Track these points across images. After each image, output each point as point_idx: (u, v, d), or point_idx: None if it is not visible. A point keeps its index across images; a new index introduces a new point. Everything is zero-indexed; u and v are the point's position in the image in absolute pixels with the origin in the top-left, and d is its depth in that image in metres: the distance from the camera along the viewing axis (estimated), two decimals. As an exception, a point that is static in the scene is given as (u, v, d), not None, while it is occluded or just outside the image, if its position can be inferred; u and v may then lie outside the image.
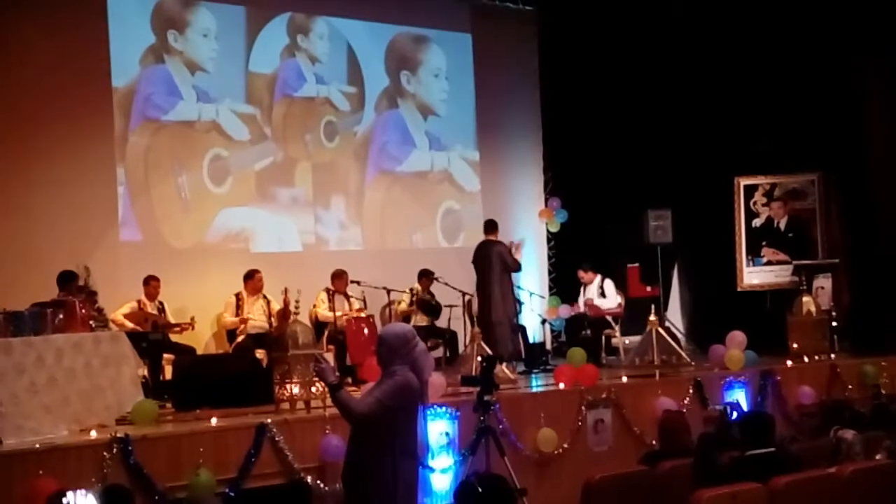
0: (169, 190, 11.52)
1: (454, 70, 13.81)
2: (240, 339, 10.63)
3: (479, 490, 5.12)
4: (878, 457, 6.57)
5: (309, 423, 7.64)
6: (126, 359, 8.28)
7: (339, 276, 11.27)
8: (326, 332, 10.85)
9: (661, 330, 11.08)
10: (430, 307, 11.62)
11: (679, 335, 12.27)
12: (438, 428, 8.08)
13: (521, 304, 12.40)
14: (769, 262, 12.97)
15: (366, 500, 5.37)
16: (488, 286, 10.90)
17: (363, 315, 10.99)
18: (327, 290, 11.28)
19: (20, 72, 10.52)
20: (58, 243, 10.34)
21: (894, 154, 12.16)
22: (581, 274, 12.12)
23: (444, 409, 8.14)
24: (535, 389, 10.01)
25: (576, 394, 9.00)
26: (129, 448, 6.79)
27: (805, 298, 11.42)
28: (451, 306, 11.72)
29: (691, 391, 9.56)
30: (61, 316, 7.83)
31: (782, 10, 12.36)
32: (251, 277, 10.88)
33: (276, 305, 10.65)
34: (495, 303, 10.83)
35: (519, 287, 12.69)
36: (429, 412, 7.98)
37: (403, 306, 11.69)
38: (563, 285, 13.80)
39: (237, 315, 10.79)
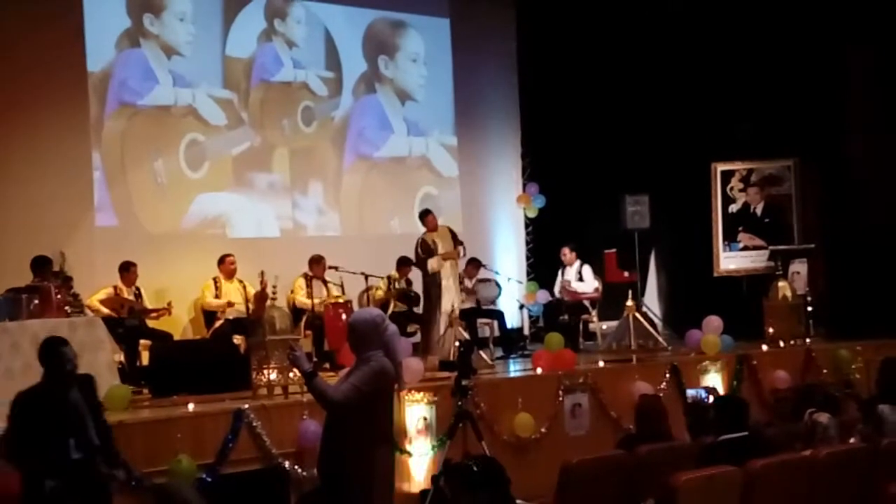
0: (145, 175, 11.45)
1: (432, 55, 13.78)
2: (218, 323, 10.59)
3: (475, 469, 5.14)
4: (852, 440, 6.63)
5: (286, 408, 7.65)
6: (102, 344, 8.24)
7: (317, 262, 11.23)
8: (304, 318, 10.82)
9: (638, 315, 11.14)
10: (406, 297, 11.59)
11: (656, 320, 12.31)
12: (416, 413, 8.10)
13: (500, 288, 12.43)
14: (745, 248, 13.04)
15: (342, 486, 5.37)
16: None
17: (341, 301, 10.97)
18: (305, 276, 11.25)
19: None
20: (33, 229, 10.25)
21: (870, 140, 12.24)
22: (565, 251, 12.10)
23: (421, 394, 8.15)
24: (512, 374, 10.06)
25: (553, 379, 9.04)
26: (106, 434, 6.76)
27: (781, 283, 11.50)
28: (428, 292, 11.71)
29: (668, 376, 9.63)
30: (37, 301, 7.81)
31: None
32: (222, 262, 10.83)
33: (252, 289, 10.60)
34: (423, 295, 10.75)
35: (496, 272, 12.72)
36: (407, 397, 8.01)
37: (380, 293, 11.66)
38: (541, 270, 13.82)
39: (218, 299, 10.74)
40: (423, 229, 10.87)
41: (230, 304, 10.64)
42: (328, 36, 12.97)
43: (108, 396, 7.66)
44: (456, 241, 10.81)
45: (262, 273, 9.73)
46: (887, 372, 7.97)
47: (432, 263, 10.53)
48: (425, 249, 10.63)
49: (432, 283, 10.59)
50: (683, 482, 5.30)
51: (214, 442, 7.20)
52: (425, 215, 10.90)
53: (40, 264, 8.76)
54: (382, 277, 11.56)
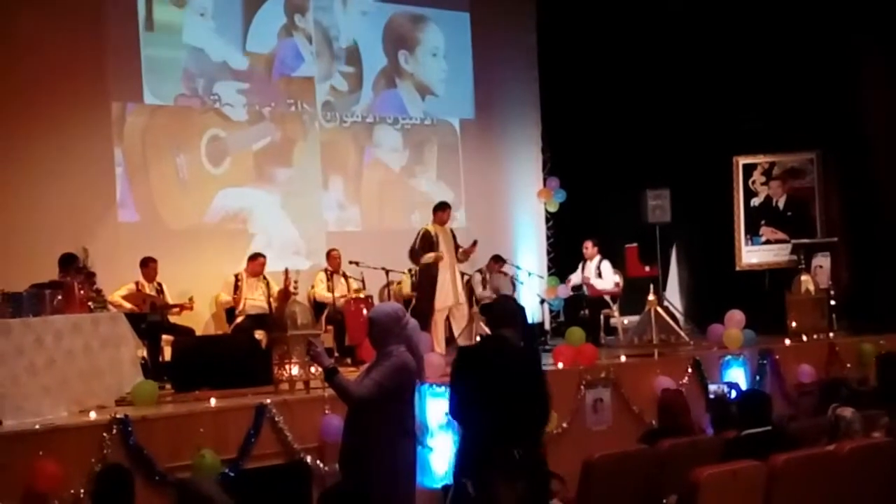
0: (167, 171, 11.50)
1: (452, 49, 13.77)
2: (239, 319, 10.63)
3: (517, 456, 5.13)
4: (875, 434, 6.58)
5: (308, 403, 7.64)
6: (125, 340, 8.27)
7: (329, 255, 11.28)
8: (325, 313, 10.85)
9: (659, 309, 11.10)
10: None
11: (678, 314, 12.27)
12: (438, 407, 8.09)
13: (519, 283, 12.42)
14: (768, 241, 12.98)
15: (364, 481, 5.37)
16: None
17: (362, 296, 10.99)
18: (325, 271, 11.29)
19: (16, 54, 10.46)
20: (56, 225, 10.32)
21: (893, 131, 12.15)
22: (587, 245, 12.05)
23: (443, 388, 8.13)
24: (534, 369, 9.99)
25: (575, 373, 9.01)
26: (129, 429, 6.78)
27: (804, 277, 11.43)
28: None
29: (690, 370, 9.57)
30: (60, 297, 7.82)
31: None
32: (254, 259, 10.89)
33: (275, 286, 10.65)
34: None
35: (517, 267, 12.71)
36: (428, 392, 8.01)
37: (406, 291, 11.62)
38: (562, 265, 13.79)
39: (235, 295, 10.78)
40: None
41: (237, 300, 10.65)
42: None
43: (135, 391, 7.72)
44: (456, 245, 10.76)
45: (286, 271, 9.77)
46: (885, 368, 7.94)
47: (428, 257, 10.43)
48: (427, 241, 10.49)
49: (427, 278, 10.51)
50: (706, 477, 5.27)
51: (237, 437, 7.21)
52: (442, 209, 10.81)
53: (67, 261, 8.80)
54: (404, 272, 11.57)
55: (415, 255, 10.52)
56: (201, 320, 11.05)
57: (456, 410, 5.73)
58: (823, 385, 8.43)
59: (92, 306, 8.28)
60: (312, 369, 7.85)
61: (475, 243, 10.83)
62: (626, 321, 11.90)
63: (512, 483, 5.03)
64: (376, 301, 11.13)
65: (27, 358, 7.22)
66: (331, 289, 11.05)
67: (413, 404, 5.64)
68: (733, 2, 12.64)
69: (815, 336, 10.99)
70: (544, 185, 14.12)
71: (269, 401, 7.45)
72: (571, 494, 5.90)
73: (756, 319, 10.71)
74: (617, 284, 11.99)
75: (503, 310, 5.98)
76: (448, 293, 10.44)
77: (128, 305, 9.93)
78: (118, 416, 6.87)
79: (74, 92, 10.78)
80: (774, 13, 12.46)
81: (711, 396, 9.12)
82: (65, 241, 9.26)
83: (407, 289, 11.59)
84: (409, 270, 11.55)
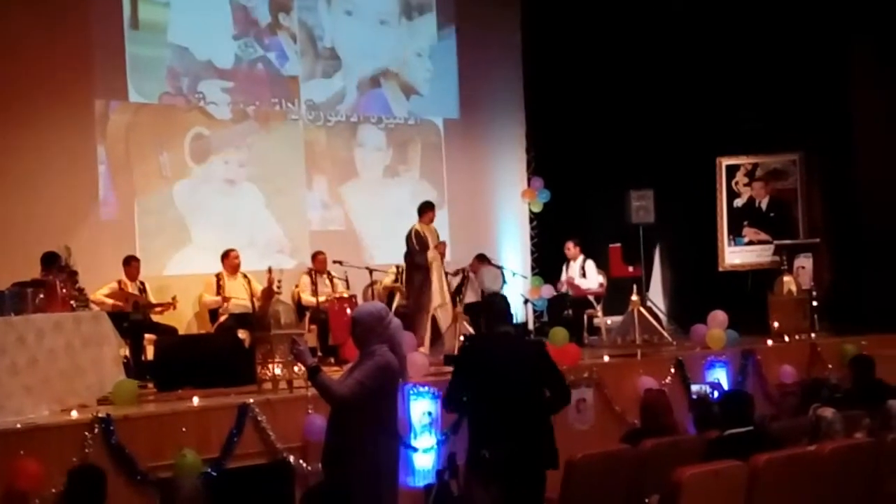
0: (150, 169, 11.45)
1: (437, 49, 13.76)
2: (222, 319, 10.59)
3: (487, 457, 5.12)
4: (857, 435, 6.62)
5: (291, 402, 7.62)
6: (107, 339, 8.22)
7: (315, 257, 11.28)
8: (308, 313, 10.83)
9: (642, 310, 11.12)
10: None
11: (661, 315, 12.30)
12: (421, 407, 8.09)
13: (504, 283, 12.41)
14: (750, 242, 13.03)
15: (347, 480, 5.37)
16: None
17: (346, 295, 10.97)
18: (309, 272, 11.26)
19: (-1, 50, 10.44)
20: (38, 223, 10.28)
21: (876, 133, 12.22)
22: (569, 246, 12.09)
23: (426, 388, 8.14)
24: (517, 369, 9.99)
25: (558, 373, 9.01)
26: (111, 428, 6.75)
27: (786, 278, 11.49)
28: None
29: (673, 370, 9.59)
30: (42, 296, 7.77)
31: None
32: (226, 256, 10.83)
33: (257, 284, 10.62)
34: None
35: (501, 267, 12.71)
36: (411, 392, 8.01)
37: (388, 281, 11.62)
38: (546, 265, 13.79)
39: (218, 295, 10.73)
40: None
41: (226, 300, 10.62)
42: (333, 30, 12.96)
43: (115, 391, 7.68)
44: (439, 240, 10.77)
45: (270, 269, 9.74)
46: (858, 369, 7.98)
47: (430, 255, 10.44)
48: (421, 240, 10.48)
49: (423, 276, 10.48)
50: (688, 477, 5.29)
51: (219, 436, 7.18)
52: (431, 208, 10.81)
53: (50, 260, 8.75)
54: (389, 270, 11.55)
55: (417, 256, 10.46)
56: (184, 319, 11.00)
57: (447, 402, 5.78)
58: (805, 385, 8.48)
59: (74, 305, 8.23)
60: (296, 368, 7.82)
61: (444, 244, 10.78)
62: (609, 321, 11.93)
63: (486, 485, 5.00)
64: (360, 300, 11.10)
65: (9, 357, 7.17)
66: (315, 291, 10.99)
67: (396, 404, 5.64)
68: (718, 3, 12.68)
69: (797, 337, 11.05)
70: (528, 185, 14.12)
71: (251, 400, 7.42)
72: (553, 494, 5.91)
73: (738, 320, 10.74)
74: (601, 285, 12.02)
75: (498, 307, 6.02)
76: (436, 293, 10.44)
77: (110, 303, 9.88)
78: (100, 415, 6.84)
79: (58, 89, 10.74)
80: (759, 15, 12.51)
81: (694, 397, 9.16)
82: (47, 240, 9.21)
83: (389, 281, 11.56)
84: (397, 268, 11.53)
